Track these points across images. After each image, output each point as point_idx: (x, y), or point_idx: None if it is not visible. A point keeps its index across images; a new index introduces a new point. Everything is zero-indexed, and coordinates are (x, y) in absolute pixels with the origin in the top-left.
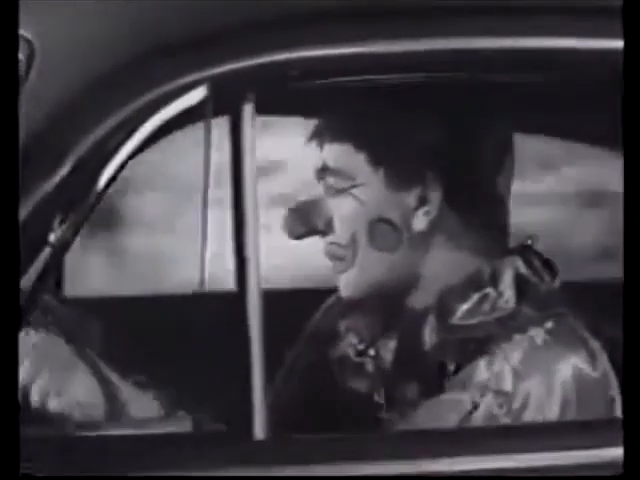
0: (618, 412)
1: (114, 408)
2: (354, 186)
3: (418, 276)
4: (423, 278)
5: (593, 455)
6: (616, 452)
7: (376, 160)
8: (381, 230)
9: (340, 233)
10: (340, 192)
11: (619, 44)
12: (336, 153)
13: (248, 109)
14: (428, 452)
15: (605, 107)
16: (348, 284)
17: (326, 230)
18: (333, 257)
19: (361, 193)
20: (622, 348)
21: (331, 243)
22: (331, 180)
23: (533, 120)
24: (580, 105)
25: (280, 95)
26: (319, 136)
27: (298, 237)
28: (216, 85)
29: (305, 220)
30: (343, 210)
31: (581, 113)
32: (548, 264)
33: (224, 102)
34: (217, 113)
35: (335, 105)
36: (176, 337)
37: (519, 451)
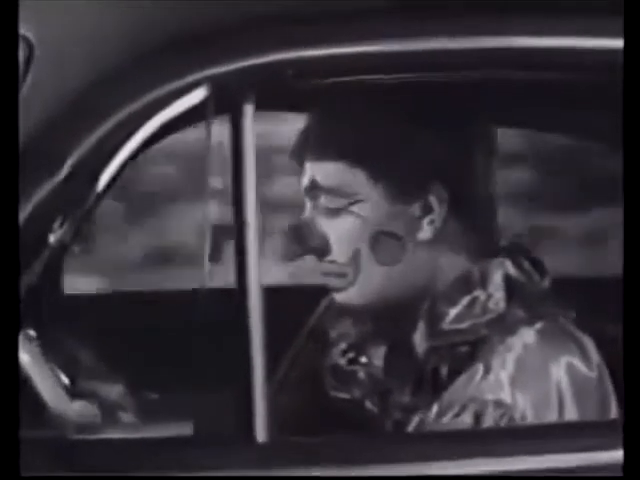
0: (614, 410)
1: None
2: (352, 203)
3: (416, 284)
4: (420, 285)
5: (593, 457)
6: (616, 455)
7: (375, 175)
8: (384, 243)
9: (340, 252)
10: (336, 211)
11: (619, 43)
12: (327, 171)
13: (249, 108)
14: (429, 455)
15: (605, 106)
16: (348, 299)
17: (322, 250)
18: (331, 275)
19: (361, 209)
20: (613, 344)
21: (329, 262)
22: (324, 199)
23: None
24: (580, 105)
25: (281, 95)
26: (303, 153)
27: (293, 259)
28: (217, 85)
29: (299, 242)
30: (342, 229)
31: (581, 113)
32: (537, 264)
33: (225, 102)
34: (218, 113)
35: (326, 121)
36: (175, 335)
37: (519, 454)
